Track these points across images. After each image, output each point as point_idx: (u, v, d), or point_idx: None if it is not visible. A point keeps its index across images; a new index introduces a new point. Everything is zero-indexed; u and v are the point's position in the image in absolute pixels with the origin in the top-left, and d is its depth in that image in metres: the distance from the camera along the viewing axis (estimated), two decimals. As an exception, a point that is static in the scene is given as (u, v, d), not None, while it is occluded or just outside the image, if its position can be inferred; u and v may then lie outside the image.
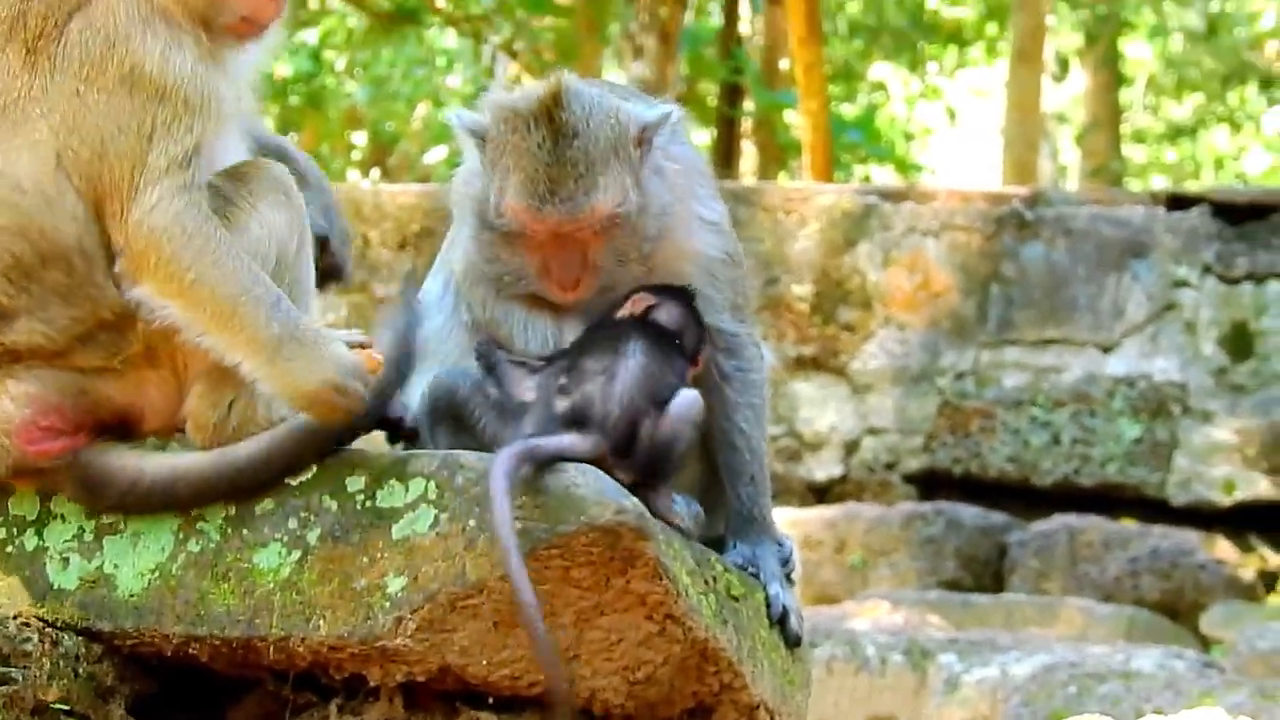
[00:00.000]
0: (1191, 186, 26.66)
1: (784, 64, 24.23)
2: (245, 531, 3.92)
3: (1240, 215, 12.78)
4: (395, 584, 3.83)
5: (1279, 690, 7.28)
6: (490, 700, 3.99)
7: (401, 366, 3.95)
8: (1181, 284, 12.74)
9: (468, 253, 4.30)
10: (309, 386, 3.81)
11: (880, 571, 11.89)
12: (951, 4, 29.52)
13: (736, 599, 4.15)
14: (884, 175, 29.31)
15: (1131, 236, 12.85)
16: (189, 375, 3.96)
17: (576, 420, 3.97)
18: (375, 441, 4.23)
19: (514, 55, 23.17)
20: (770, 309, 13.11)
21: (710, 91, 25.31)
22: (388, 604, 3.83)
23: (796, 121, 22.07)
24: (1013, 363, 13.01)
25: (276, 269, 3.94)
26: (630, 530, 3.79)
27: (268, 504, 3.92)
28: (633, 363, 4.05)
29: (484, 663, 3.88)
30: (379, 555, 3.85)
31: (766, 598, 4.28)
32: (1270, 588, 12.03)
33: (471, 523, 3.81)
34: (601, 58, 22.07)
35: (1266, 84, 31.33)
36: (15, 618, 3.89)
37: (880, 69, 31.50)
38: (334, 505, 3.90)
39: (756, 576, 4.29)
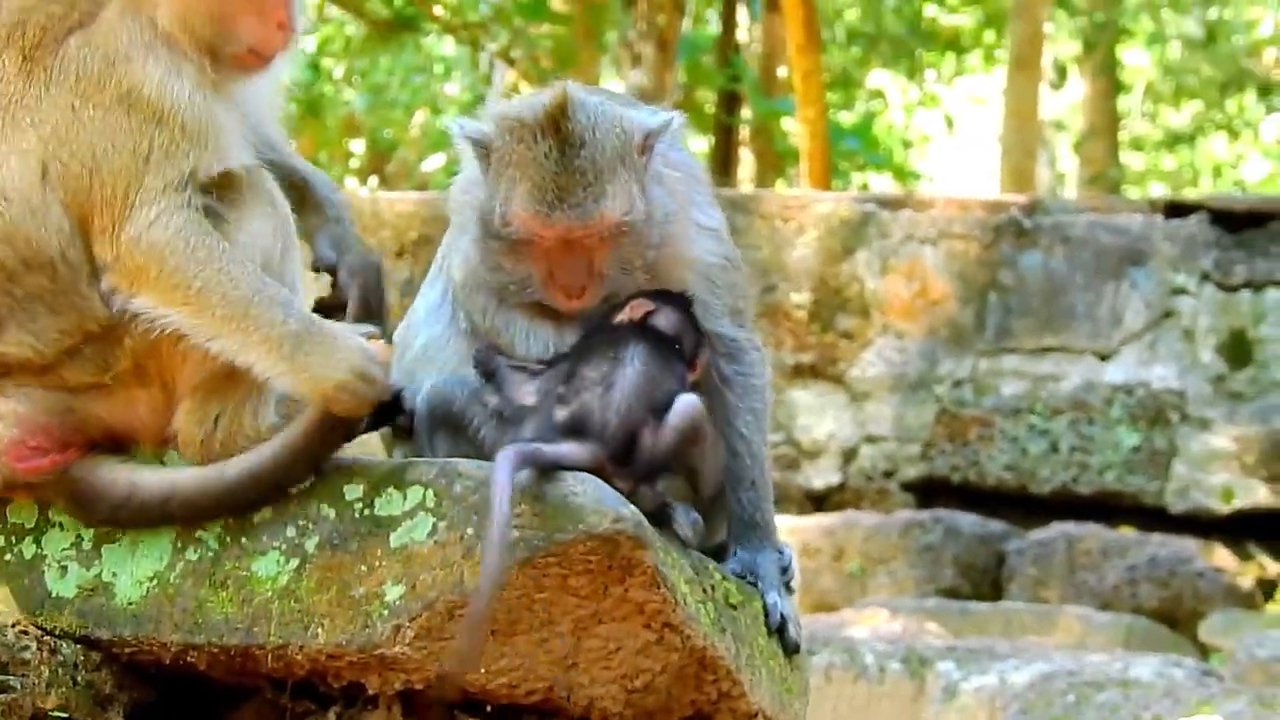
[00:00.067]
0: (1190, 194, 26.70)
1: (782, 71, 24.24)
2: (243, 540, 3.92)
3: (1238, 223, 12.77)
4: (393, 592, 3.83)
5: (1277, 698, 7.28)
6: (488, 708, 3.99)
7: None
8: (1180, 291, 12.73)
9: (468, 260, 4.30)
10: (335, 377, 3.81)
11: (878, 579, 11.88)
12: (950, 11, 29.53)
13: (735, 607, 4.15)
14: (882, 183, 29.28)
15: (1130, 244, 12.84)
16: (177, 392, 3.96)
17: (575, 429, 3.97)
18: (371, 448, 4.23)
19: (512, 63, 23.14)
20: (768, 317, 13.10)
21: (708, 99, 25.32)
22: (386, 612, 3.82)
23: (794, 129, 22.07)
24: (1011, 371, 12.99)
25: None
26: (628, 539, 3.79)
27: (266, 512, 3.93)
28: (631, 370, 4.05)
29: (482, 671, 3.88)
30: (377, 563, 3.85)
31: (765, 606, 4.28)
32: (1269, 595, 12.02)
33: (469, 531, 3.81)
34: (599, 65, 22.08)
35: (1265, 91, 31.31)
36: (14, 626, 3.89)
37: (878, 76, 31.51)
38: (332, 513, 3.90)
39: (755, 584, 4.29)
